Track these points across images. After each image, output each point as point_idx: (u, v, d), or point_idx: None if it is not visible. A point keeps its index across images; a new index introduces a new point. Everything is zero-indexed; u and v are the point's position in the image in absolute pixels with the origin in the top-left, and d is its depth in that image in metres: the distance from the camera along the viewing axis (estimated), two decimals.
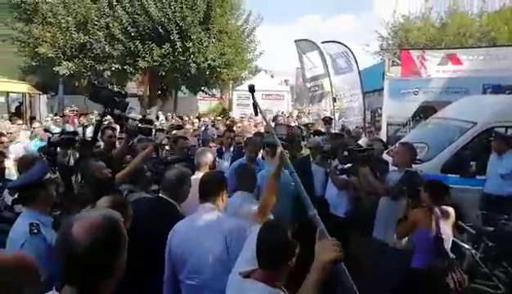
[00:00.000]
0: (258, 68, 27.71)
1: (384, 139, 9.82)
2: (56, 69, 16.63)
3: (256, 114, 3.31)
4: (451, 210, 3.28)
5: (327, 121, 8.78)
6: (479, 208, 5.09)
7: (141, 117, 5.15)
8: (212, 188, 2.49)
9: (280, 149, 2.35)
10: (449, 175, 5.74)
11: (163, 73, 17.16)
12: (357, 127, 8.65)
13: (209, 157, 3.82)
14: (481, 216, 4.99)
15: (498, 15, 18.84)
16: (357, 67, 10.32)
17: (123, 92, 3.82)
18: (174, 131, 7.26)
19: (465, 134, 5.96)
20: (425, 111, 10.00)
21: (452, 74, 10.96)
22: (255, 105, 2.53)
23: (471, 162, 5.61)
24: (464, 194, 5.15)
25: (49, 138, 3.70)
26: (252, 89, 2.60)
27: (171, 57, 16.34)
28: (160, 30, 16.13)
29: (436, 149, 6.12)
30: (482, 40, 18.56)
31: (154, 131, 5.69)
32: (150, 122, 4.42)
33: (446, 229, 3.21)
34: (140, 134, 3.77)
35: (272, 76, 28.87)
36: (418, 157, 5.55)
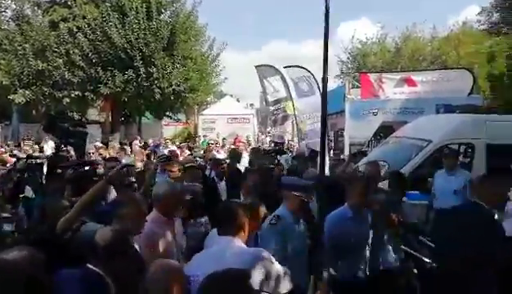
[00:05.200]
0: (223, 92, 27.95)
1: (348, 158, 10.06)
2: (12, 96, 15.98)
3: None
4: None
5: (277, 144, 8.96)
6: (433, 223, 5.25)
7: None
8: None
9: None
10: (409, 191, 5.95)
11: (126, 99, 16.90)
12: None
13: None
14: None
15: (447, 40, 20.19)
16: (319, 90, 10.61)
17: (82, 121, 3.75)
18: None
19: (422, 151, 6.21)
20: (384, 131, 10.36)
21: (408, 96, 11.49)
22: None
23: (428, 179, 5.82)
24: (421, 210, 5.33)
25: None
26: None
27: (134, 83, 16.16)
28: (123, 56, 15.99)
29: (395, 167, 6.31)
30: (434, 63, 19.77)
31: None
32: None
33: None
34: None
35: (238, 100, 29.19)
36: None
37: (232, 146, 11.35)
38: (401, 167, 6.20)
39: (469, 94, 11.15)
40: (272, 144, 9.82)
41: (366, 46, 21.81)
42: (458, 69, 13.05)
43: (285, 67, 10.42)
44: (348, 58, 22.36)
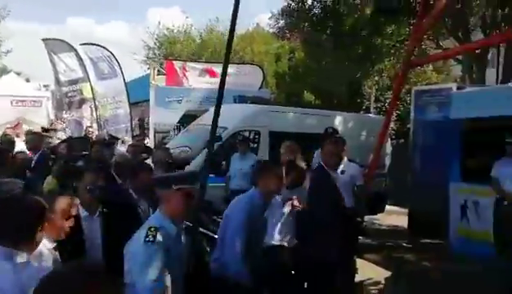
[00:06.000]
0: (7, 69, 23.43)
1: (152, 146, 10.03)
2: None
3: None
4: None
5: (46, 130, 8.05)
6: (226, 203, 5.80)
7: None
8: None
9: None
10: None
11: None
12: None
13: None
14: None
15: (244, 38, 22.44)
16: (122, 73, 10.10)
17: None
18: None
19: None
20: (189, 119, 10.75)
21: (210, 86, 12.21)
22: None
23: (223, 162, 6.35)
24: (217, 191, 5.79)
25: None
26: None
27: None
28: None
29: (196, 152, 6.69)
30: (234, 58, 21.66)
31: None
32: None
33: None
34: None
35: (28, 80, 24.78)
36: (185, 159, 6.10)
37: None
38: (201, 151, 6.61)
39: (260, 88, 12.75)
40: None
41: (173, 34, 22.08)
42: (251, 64, 14.65)
43: (81, 44, 9.44)
44: (155, 44, 22.16)
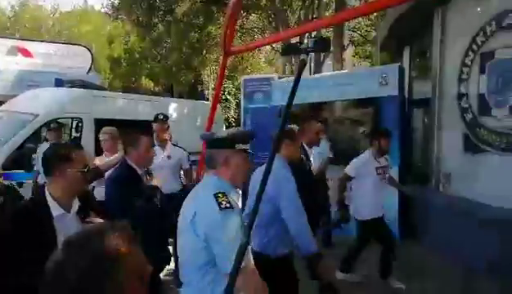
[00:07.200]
0: None
1: None
2: None
3: None
4: None
5: None
6: None
7: None
8: None
9: None
10: (13, 171, 5.40)
11: None
12: None
13: None
14: None
15: (70, 16, 19.95)
16: None
17: None
18: None
19: (27, 126, 5.81)
20: None
21: (24, 67, 10.45)
22: None
23: (33, 155, 5.46)
24: (29, 189, 4.96)
25: None
26: None
27: None
28: None
29: (3, 142, 5.62)
30: (60, 37, 19.08)
31: None
32: None
33: None
34: None
35: None
36: None
37: None
38: (5, 142, 5.57)
39: (89, 71, 11.57)
40: None
41: None
42: (78, 45, 13.15)
43: None
44: None
